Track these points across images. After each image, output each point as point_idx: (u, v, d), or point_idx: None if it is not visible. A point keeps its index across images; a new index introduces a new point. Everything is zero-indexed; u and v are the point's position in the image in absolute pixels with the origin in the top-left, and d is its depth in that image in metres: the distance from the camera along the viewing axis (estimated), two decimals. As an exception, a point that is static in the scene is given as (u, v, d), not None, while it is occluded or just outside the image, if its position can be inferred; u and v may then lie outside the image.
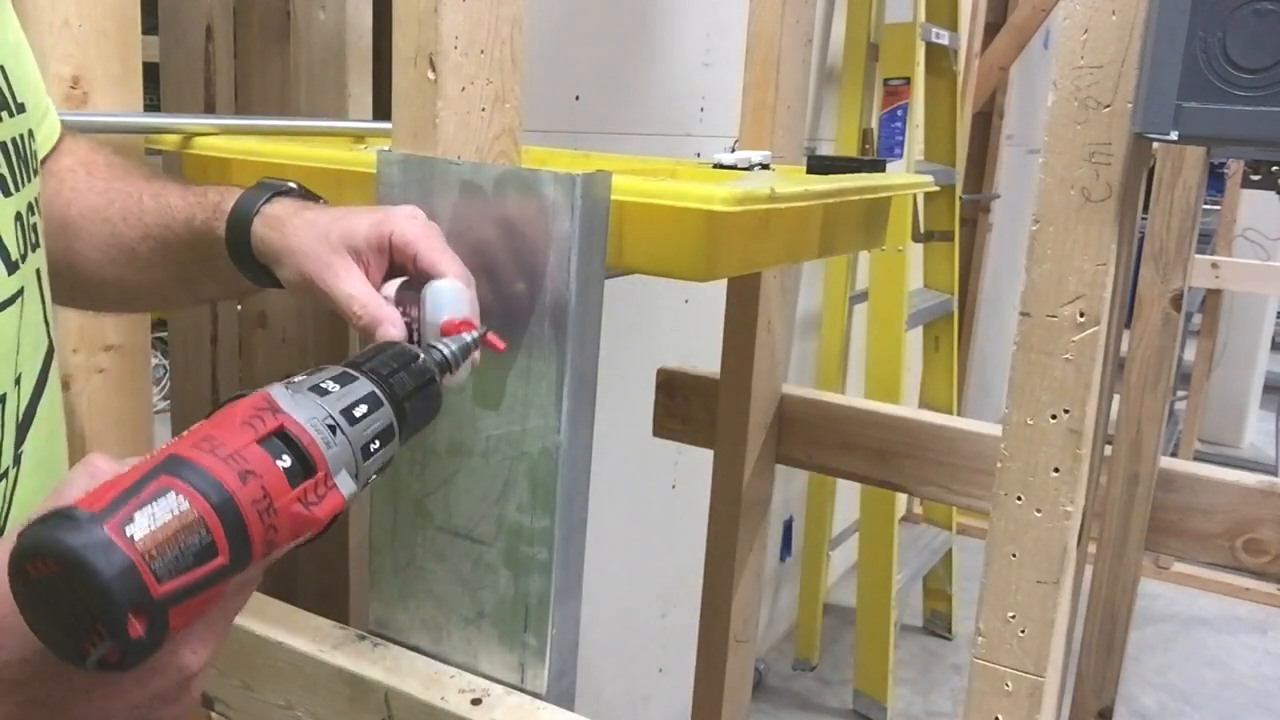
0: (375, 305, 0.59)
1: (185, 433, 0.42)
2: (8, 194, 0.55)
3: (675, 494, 2.15)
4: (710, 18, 1.98)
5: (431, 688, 0.72)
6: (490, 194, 0.68)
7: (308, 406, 0.45)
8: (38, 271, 0.59)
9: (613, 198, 0.69)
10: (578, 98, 1.67)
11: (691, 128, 1.99)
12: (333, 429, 0.45)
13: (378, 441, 0.48)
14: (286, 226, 0.62)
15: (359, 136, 1.16)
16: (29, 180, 0.58)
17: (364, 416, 0.47)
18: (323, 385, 0.47)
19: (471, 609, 0.75)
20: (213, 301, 1.27)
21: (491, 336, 0.61)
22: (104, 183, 0.69)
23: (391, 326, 0.58)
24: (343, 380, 0.48)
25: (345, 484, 0.45)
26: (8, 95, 0.57)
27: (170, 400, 1.36)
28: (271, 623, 0.78)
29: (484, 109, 0.74)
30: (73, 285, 0.69)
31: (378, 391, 0.49)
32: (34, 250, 0.58)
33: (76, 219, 0.68)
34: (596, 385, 0.72)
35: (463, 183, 0.69)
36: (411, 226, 0.62)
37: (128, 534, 0.37)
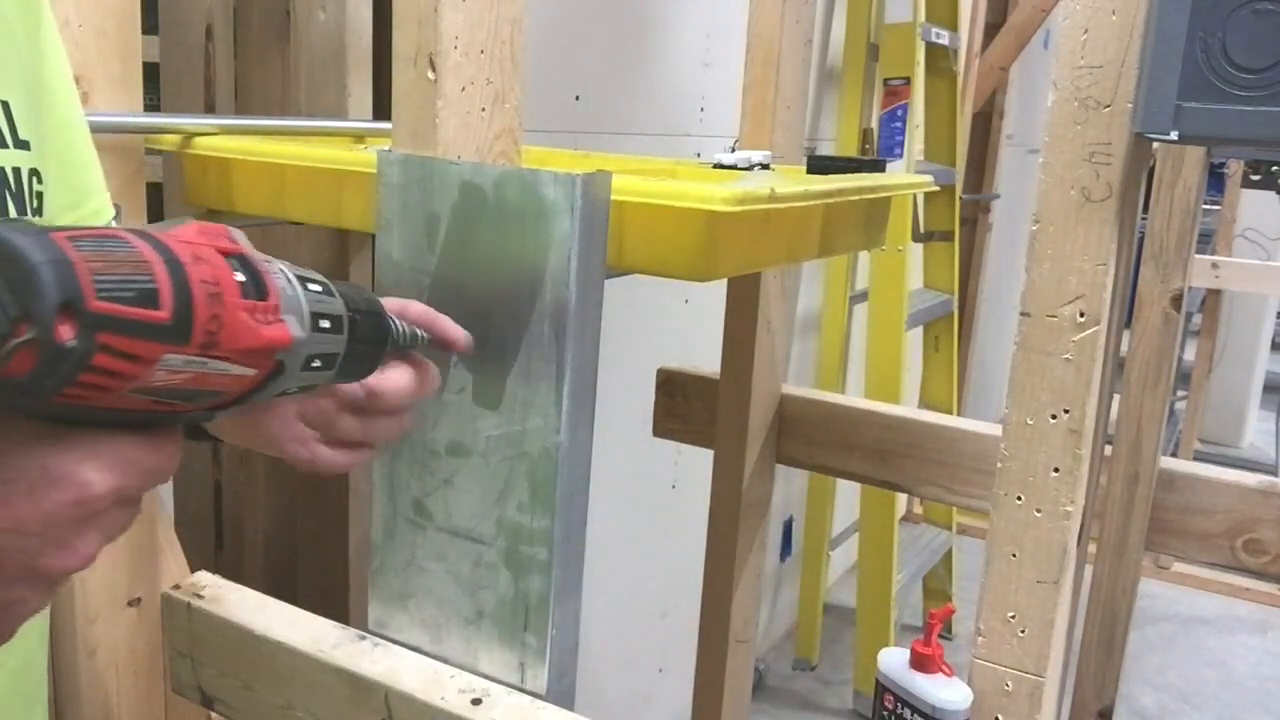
0: None
1: None
2: None
3: (675, 494, 2.15)
4: (710, 18, 1.98)
5: (431, 688, 0.72)
6: (490, 194, 0.68)
7: (263, 256, 0.44)
8: None
9: (613, 198, 0.69)
10: (578, 98, 1.67)
11: (691, 128, 1.99)
12: (286, 280, 0.43)
13: (328, 322, 0.46)
14: None
15: (359, 136, 1.16)
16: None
17: (317, 291, 0.46)
18: (274, 260, 0.45)
19: (471, 609, 0.75)
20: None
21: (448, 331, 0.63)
22: None
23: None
24: (294, 267, 0.47)
25: (294, 326, 0.43)
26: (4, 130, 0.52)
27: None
28: (271, 623, 0.78)
29: (484, 109, 0.74)
30: None
31: (330, 285, 0.48)
32: None
33: None
34: (596, 385, 0.72)
35: (463, 183, 0.69)
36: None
37: (74, 244, 0.34)
